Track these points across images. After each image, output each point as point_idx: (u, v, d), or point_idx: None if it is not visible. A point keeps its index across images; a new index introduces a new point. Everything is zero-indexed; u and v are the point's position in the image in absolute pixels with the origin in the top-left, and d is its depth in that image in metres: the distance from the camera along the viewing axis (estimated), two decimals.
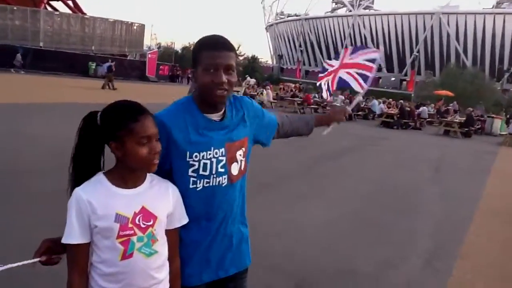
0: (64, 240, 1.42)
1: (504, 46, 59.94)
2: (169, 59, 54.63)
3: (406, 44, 67.58)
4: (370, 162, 10.11)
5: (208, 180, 1.66)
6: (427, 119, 24.17)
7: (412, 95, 37.22)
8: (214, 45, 1.61)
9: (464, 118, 20.98)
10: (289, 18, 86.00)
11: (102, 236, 1.43)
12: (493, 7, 64.67)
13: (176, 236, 1.63)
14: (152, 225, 1.49)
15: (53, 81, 24.47)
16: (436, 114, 25.99)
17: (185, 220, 1.62)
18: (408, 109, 21.47)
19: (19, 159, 6.83)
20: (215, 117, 1.70)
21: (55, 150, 6.78)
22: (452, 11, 63.10)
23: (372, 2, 76.36)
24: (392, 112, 21.73)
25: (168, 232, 1.57)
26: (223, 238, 1.74)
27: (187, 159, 1.63)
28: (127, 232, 1.44)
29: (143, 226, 1.47)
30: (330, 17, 79.00)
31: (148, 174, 1.55)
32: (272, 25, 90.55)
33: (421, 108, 23.81)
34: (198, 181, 1.65)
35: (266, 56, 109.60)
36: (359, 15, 72.53)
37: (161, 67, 40.59)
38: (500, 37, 59.92)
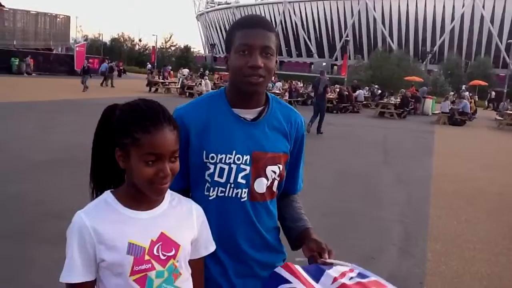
0: (63, 279, 1.13)
1: (426, 29, 63.23)
2: (97, 52, 52.48)
3: (336, 29, 69.39)
4: (324, 150, 10.18)
5: (223, 189, 1.40)
6: (363, 102, 24.94)
7: (345, 79, 38.21)
8: (250, 24, 1.36)
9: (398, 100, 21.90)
10: (220, 7, 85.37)
11: (112, 273, 1.14)
12: None
13: (201, 267, 1.34)
14: (174, 256, 1.19)
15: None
16: (371, 96, 26.91)
17: (212, 247, 1.33)
18: (346, 93, 22.00)
19: None
20: (247, 114, 1.42)
21: None
22: None
23: None
24: (331, 97, 22.16)
25: (192, 263, 1.28)
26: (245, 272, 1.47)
27: (204, 160, 1.39)
28: (144, 267, 1.15)
29: (163, 257, 1.18)
30: (261, 4, 79.33)
31: (168, 192, 1.26)
32: (203, 14, 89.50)
33: (357, 92, 24.51)
34: (212, 188, 1.40)
35: (198, 46, 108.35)
36: (289, 2, 73.42)
37: (90, 60, 38.65)
38: (422, 20, 63.11)
